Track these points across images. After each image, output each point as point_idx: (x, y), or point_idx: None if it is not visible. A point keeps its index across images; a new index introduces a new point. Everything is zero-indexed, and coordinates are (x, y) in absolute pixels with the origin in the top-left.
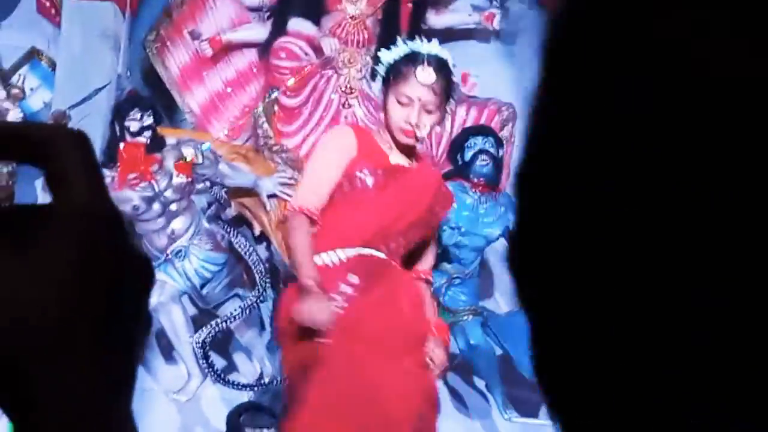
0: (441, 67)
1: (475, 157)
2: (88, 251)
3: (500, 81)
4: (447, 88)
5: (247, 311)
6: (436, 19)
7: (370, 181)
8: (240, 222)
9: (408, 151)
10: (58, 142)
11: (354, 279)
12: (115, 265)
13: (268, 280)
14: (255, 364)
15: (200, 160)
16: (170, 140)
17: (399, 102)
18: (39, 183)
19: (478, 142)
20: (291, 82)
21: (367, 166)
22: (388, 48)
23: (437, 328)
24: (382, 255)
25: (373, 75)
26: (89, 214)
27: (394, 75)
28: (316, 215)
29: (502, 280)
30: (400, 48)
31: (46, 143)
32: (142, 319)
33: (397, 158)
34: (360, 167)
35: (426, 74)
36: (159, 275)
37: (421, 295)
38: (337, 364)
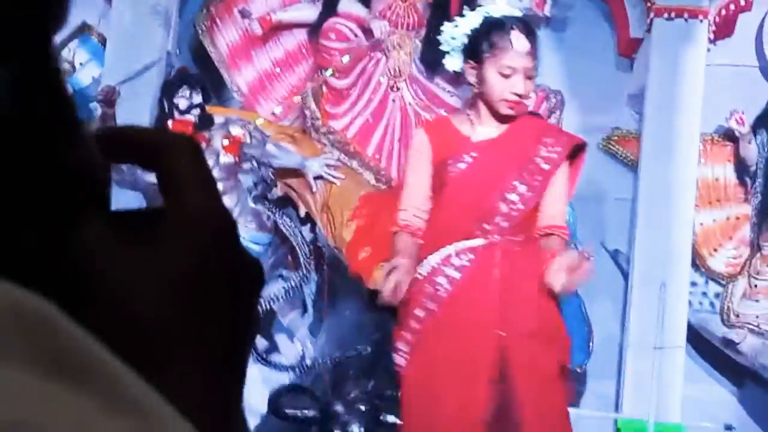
0: (527, 29)
1: None
2: (201, 254)
3: (549, 68)
4: (537, 48)
5: (291, 292)
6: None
7: (459, 167)
8: (285, 203)
9: (506, 118)
10: (172, 147)
11: (442, 281)
12: (228, 267)
13: (312, 262)
14: (297, 345)
15: (248, 140)
16: (218, 119)
17: (501, 74)
18: None
19: None
20: (346, 59)
21: (448, 157)
22: (442, 23)
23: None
24: (476, 242)
25: (425, 57)
26: (202, 218)
27: (488, 47)
28: (413, 227)
29: None
30: (474, 16)
31: (161, 148)
32: (253, 320)
33: (483, 132)
34: (442, 160)
35: (522, 41)
36: None
37: (534, 269)
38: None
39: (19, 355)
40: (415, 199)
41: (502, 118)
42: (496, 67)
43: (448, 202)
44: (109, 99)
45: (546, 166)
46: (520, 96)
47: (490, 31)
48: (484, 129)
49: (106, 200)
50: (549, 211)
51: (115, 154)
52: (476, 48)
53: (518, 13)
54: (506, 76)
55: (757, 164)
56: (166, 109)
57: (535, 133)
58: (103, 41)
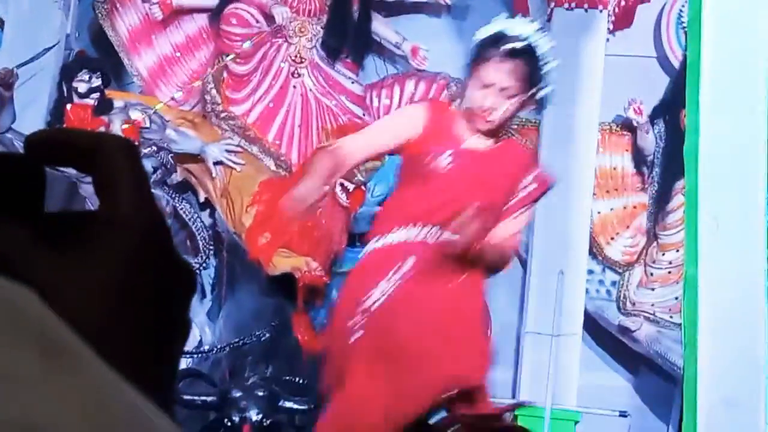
0: (526, 50)
1: None
2: (133, 258)
3: (450, 56)
4: (532, 73)
5: None
6: None
7: (443, 163)
8: (185, 188)
9: (490, 134)
10: (107, 149)
11: (409, 263)
12: (159, 272)
13: (211, 247)
14: (195, 331)
15: (147, 124)
16: (118, 103)
17: (478, 86)
18: None
19: None
20: (248, 44)
21: (435, 150)
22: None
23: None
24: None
25: (327, 44)
26: (135, 222)
27: (480, 57)
28: (344, 159)
29: None
30: (491, 26)
31: (95, 150)
32: (182, 326)
33: (474, 142)
34: (426, 150)
35: (509, 61)
36: None
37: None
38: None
39: (14, 337)
40: (363, 144)
41: (486, 134)
42: (474, 78)
43: (428, 187)
44: (7, 82)
45: (516, 199)
46: (488, 110)
47: (487, 43)
48: (473, 141)
49: (40, 203)
50: (505, 230)
51: (51, 157)
52: (473, 59)
53: (536, 36)
54: (482, 89)
55: (654, 154)
56: (65, 93)
57: (519, 165)
58: (1, 24)
